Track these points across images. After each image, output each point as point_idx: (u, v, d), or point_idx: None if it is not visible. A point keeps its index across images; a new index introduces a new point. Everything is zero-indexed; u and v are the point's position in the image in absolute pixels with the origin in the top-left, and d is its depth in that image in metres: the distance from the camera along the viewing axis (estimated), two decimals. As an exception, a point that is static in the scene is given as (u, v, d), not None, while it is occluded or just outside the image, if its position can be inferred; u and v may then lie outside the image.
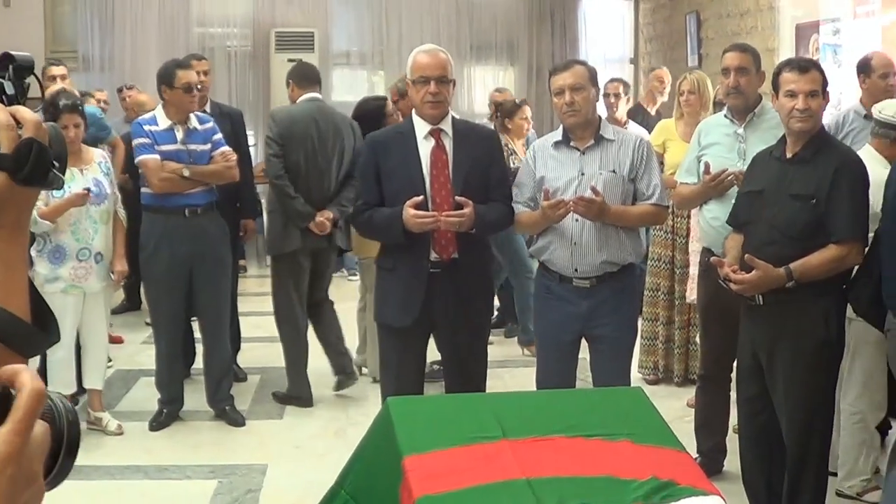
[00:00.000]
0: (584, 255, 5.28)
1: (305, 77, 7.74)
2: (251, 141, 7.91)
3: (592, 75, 5.40)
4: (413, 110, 5.50)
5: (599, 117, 5.46)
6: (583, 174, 5.31)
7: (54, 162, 1.58)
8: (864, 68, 6.89)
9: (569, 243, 5.29)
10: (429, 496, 3.43)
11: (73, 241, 6.60)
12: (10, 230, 1.57)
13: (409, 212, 5.14)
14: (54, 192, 6.00)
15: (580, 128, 5.35)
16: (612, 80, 9.42)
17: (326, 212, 7.37)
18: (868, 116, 6.48)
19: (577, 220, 5.24)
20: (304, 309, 7.69)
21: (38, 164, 1.53)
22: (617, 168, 5.33)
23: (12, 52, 1.73)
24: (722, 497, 3.54)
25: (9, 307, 1.50)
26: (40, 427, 1.16)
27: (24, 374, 1.14)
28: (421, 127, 5.40)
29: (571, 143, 5.38)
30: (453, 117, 5.51)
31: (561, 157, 5.40)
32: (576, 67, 5.40)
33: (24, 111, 1.57)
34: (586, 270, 5.31)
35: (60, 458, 1.24)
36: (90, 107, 8.85)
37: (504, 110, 9.08)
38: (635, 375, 7.70)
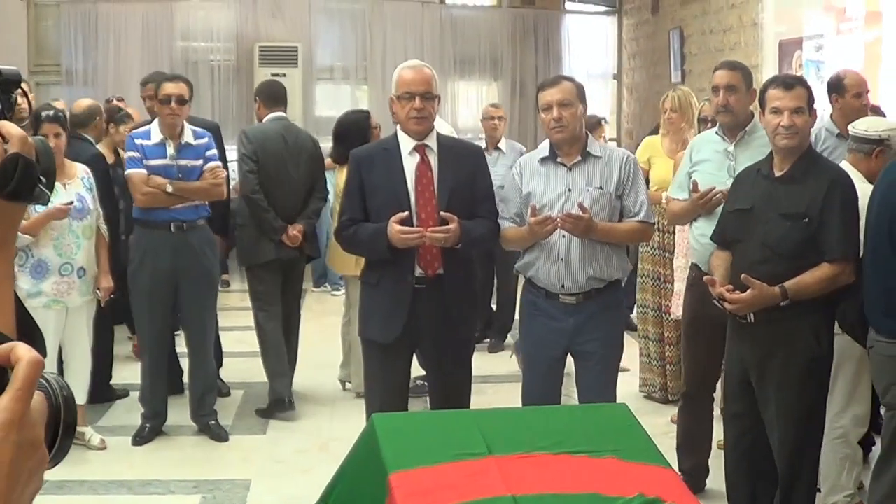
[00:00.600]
0: (570, 272, 5.28)
1: (274, 96, 8.13)
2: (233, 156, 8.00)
3: (580, 91, 5.39)
4: (398, 126, 5.48)
5: (586, 133, 5.45)
6: (570, 190, 5.30)
7: (41, 177, 1.57)
8: (837, 88, 6.89)
9: (555, 259, 5.29)
10: (415, 513, 3.42)
11: (56, 256, 6.56)
12: (-4, 245, 1.56)
13: (394, 227, 5.13)
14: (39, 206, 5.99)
15: (567, 144, 5.34)
16: None
17: (298, 225, 7.66)
18: (841, 135, 6.51)
19: (563, 236, 5.24)
20: (279, 317, 7.91)
21: (24, 179, 1.52)
22: (604, 184, 5.32)
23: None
24: (708, 514, 3.53)
25: (-6, 323, 1.49)
26: (37, 396, 1.19)
27: (20, 347, 1.17)
28: (406, 142, 5.38)
29: (558, 159, 5.38)
30: (438, 133, 5.51)
31: (548, 173, 5.40)
32: (564, 83, 5.39)
33: (9, 126, 1.55)
34: (573, 286, 5.30)
35: (59, 438, 1.25)
36: None
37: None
38: (637, 393, 7.75)
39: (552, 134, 5.35)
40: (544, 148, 5.50)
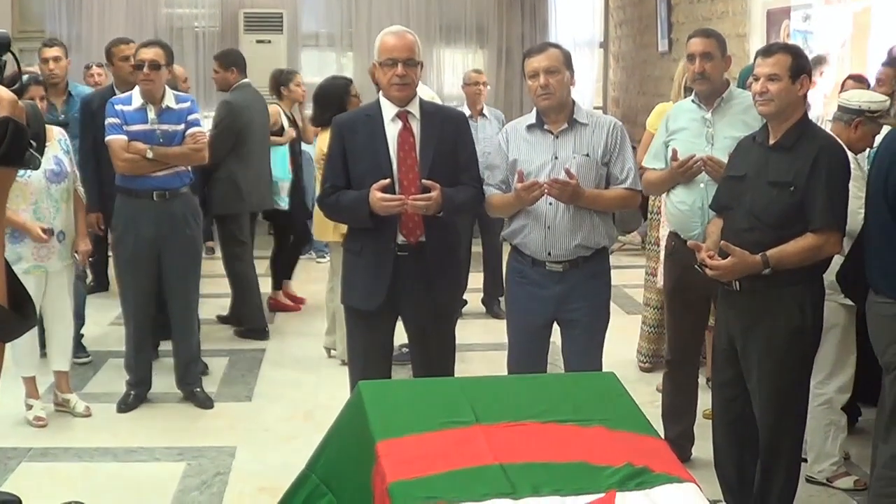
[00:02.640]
0: (557, 239, 5.27)
1: (243, 64, 9.21)
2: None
3: (567, 58, 5.37)
4: (381, 92, 5.45)
5: (573, 101, 5.42)
6: (556, 158, 5.28)
7: (31, 141, 1.54)
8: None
9: (542, 227, 5.27)
10: (402, 481, 3.41)
11: (35, 221, 6.49)
12: (-14, 211, 1.54)
13: (375, 195, 5.10)
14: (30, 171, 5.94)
15: (554, 111, 5.32)
16: None
17: None
18: None
19: (550, 203, 5.22)
20: (251, 255, 9.15)
21: (15, 143, 1.50)
22: (591, 152, 5.30)
23: None
24: (697, 484, 3.53)
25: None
26: None
27: None
28: (388, 109, 5.34)
29: (545, 127, 5.35)
30: (421, 100, 5.48)
31: (534, 141, 5.37)
32: (550, 50, 5.36)
33: (0, 90, 1.53)
34: (559, 254, 5.29)
35: None
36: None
37: None
38: (623, 361, 7.66)
39: (538, 101, 5.33)
40: (531, 115, 5.48)
